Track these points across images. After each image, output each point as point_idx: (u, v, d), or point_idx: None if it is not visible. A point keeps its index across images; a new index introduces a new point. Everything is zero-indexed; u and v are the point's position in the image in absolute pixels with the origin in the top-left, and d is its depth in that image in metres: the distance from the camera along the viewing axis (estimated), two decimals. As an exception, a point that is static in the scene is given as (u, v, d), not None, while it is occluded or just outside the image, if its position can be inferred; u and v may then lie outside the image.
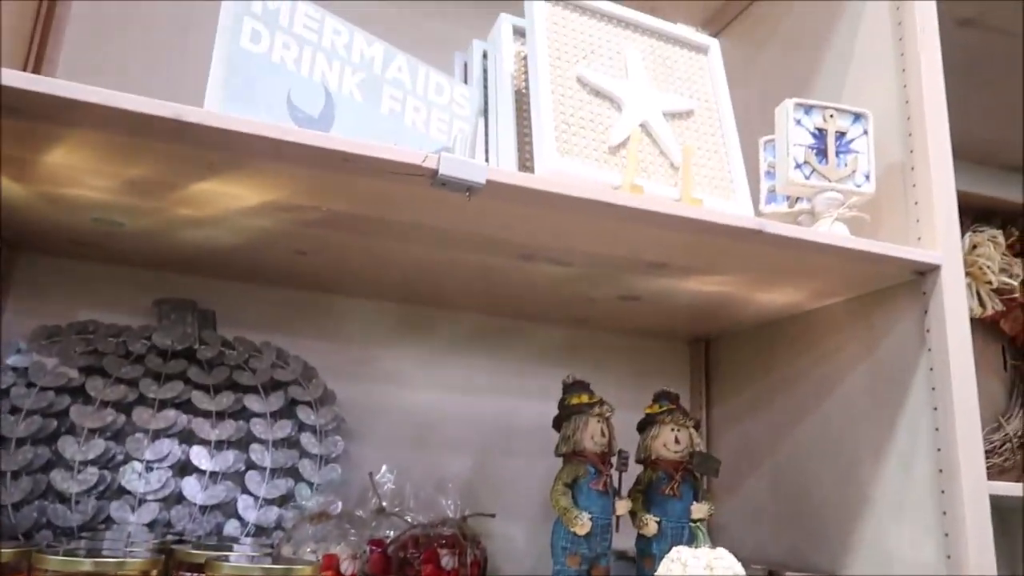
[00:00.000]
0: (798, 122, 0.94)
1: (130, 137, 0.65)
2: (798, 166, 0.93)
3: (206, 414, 0.97)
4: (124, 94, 0.60)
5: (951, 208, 0.90)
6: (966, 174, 0.99)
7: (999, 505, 0.84)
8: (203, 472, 0.95)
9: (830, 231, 0.89)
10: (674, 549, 0.78)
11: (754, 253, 0.87)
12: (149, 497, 0.92)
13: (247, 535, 0.93)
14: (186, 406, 0.97)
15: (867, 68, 1.03)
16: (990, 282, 1.19)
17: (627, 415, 0.96)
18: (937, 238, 0.88)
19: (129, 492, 0.91)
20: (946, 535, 0.82)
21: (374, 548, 0.89)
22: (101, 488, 0.90)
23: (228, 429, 0.97)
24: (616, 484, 0.90)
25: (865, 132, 0.95)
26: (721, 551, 0.77)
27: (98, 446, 0.91)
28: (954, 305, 0.87)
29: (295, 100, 0.75)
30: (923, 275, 0.90)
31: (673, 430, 0.93)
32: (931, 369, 0.87)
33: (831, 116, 0.95)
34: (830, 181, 0.93)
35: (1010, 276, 1.21)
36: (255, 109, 0.71)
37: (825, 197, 0.92)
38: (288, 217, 0.83)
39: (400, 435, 1.14)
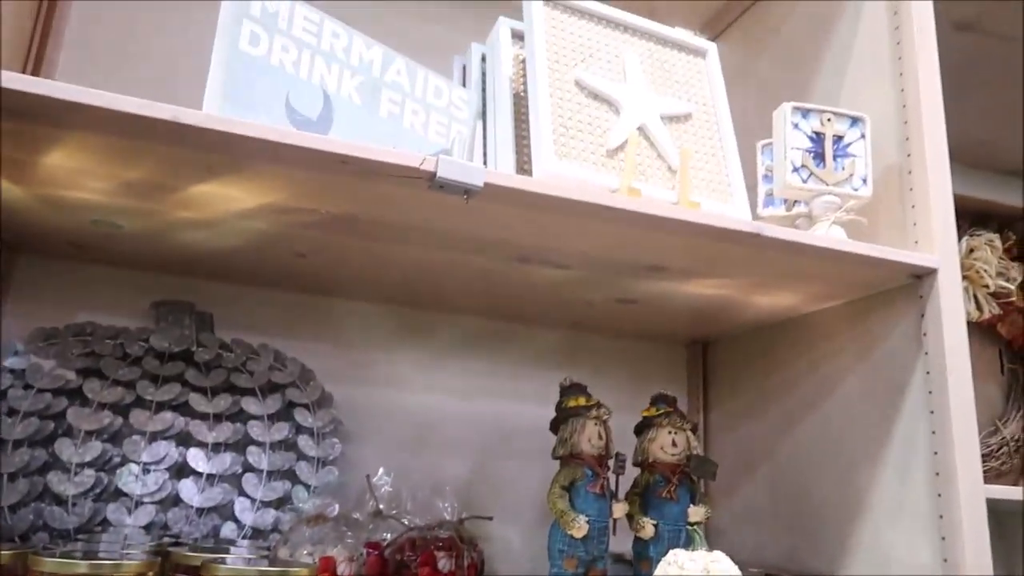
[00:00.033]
0: (795, 126, 0.94)
1: (129, 139, 0.65)
2: (795, 170, 0.93)
3: (203, 416, 0.97)
4: (123, 96, 0.60)
5: (948, 212, 0.90)
6: (963, 178, 0.99)
7: (996, 509, 0.84)
8: (200, 474, 0.95)
9: (827, 234, 0.89)
10: (671, 552, 0.78)
11: (751, 256, 0.87)
12: (146, 499, 0.91)
13: (244, 537, 0.93)
14: (183, 408, 0.97)
15: (864, 72, 1.03)
16: (987, 286, 1.19)
17: (624, 418, 0.96)
18: (934, 242, 0.89)
19: (126, 494, 0.91)
20: (943, 538, 0.82)
21: (371, 551, 0.89)
22: (98, 490, 0.90)
23: (225, 431, 0.97)
24: (613, 487, 0.90)
25: (862, 136, 0.95)
26: (718, 554, 0.77)
27: (95, 448, 0.91)
28: (951, 309, 0.87)
29: (294, 103, 0.75)
30: (920, 279, 0.90)
31: (670, 433, 0.93)
32: (928, 373, 0.87)
33: (828, 120, 0.95)
34: (827, 185, 0.93)
35: (1007, 280, 1.22)
36: (254, 112, 0.71)
37: (822, 201, 0.92)
38: (286, 219, 0.83)
39: (397, 438, 1.14)
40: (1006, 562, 1.26)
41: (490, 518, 1.02)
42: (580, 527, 0.84)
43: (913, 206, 0.92)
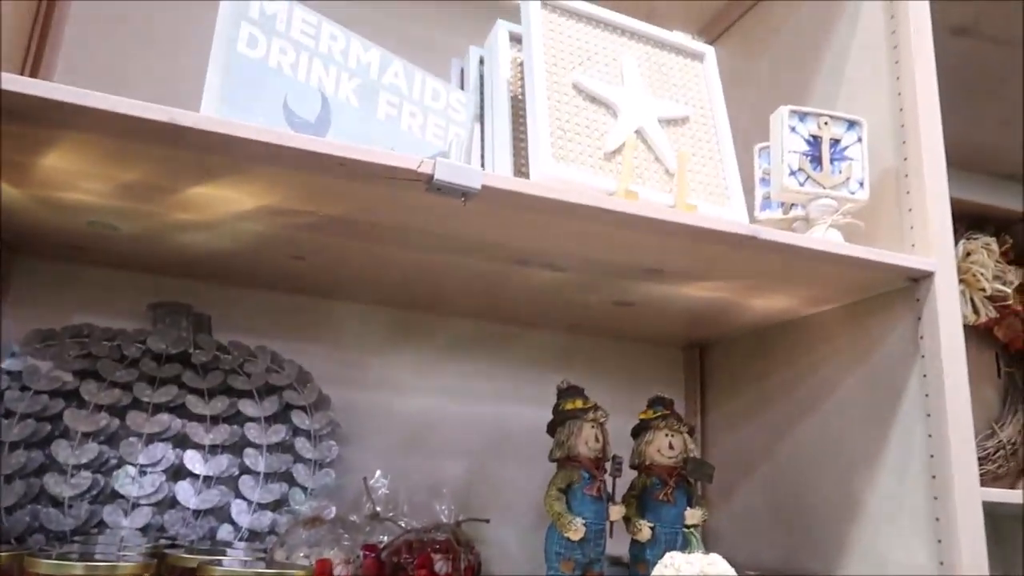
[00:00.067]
0: (793, 129, 0.94)
1: (126, 141, 0.65)
2: (792, 173, 0.93)
3: (200, 418, 0.97)
4: (120, 98, 0.60)
5: (945, 215, 0.90)
6: (960, 181, 0.99)
7: (992, 512, 0.84)
8: (197, 476, 0.94)
9: (824, 238, 0.89)
10: (667, 555, 0.78)
11: (748, 259, 0.88)
12: (142, 501, 0.91)
13: (240, 540, 0.93)
14: (180, 410, 0.97)
15: (861, 76, 1.03)
16: (984, 289, 1.19)
17: (621, 420, 0.96)
18: (931, 245, 0.89)
19: (122, 496, 0.91)
20: (939, 541, 0.82)
21: (368, 553, 0.89)
22: (94, 492, 0.90)
23: (222, 433, 0.97)
24: (610, 489, 0.90)
25: (859, 139, 0.96)
26: (714, 557, 0.77)
27: (91, 450, 0.90)
28: (948, 312, 0.88)
29: (292, 105, 0.75)
30: (917, 282, 0.90)
31: (667, 436, 0.93)
32: (924, 376, 0.88)
33: (826, 123, 0.95)
34: (824, 188, 0.93)
35: (1004, 283, 1.22)
36: (252, 114, 0.71)
37: (819, 204, 0.93)
38: (284, 221, 0.83)
39: (394, 440, 1.14)
40: (1003, 565, 1.26)
41: (487, 520, 1.02)
42: (577, 530, 0.84)
43: (910, 209, 0.92)
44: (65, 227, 0.89)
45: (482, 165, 0.95)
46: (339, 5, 0.97)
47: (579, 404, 0.91)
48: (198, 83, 0.70)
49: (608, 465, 0.91)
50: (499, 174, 0.80)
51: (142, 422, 0.94)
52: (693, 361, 1.34)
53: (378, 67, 0.84)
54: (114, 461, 0.92)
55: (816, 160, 0.94)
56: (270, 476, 0.97)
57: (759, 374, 1.18)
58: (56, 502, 0.88)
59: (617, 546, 0.94)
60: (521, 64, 0.96)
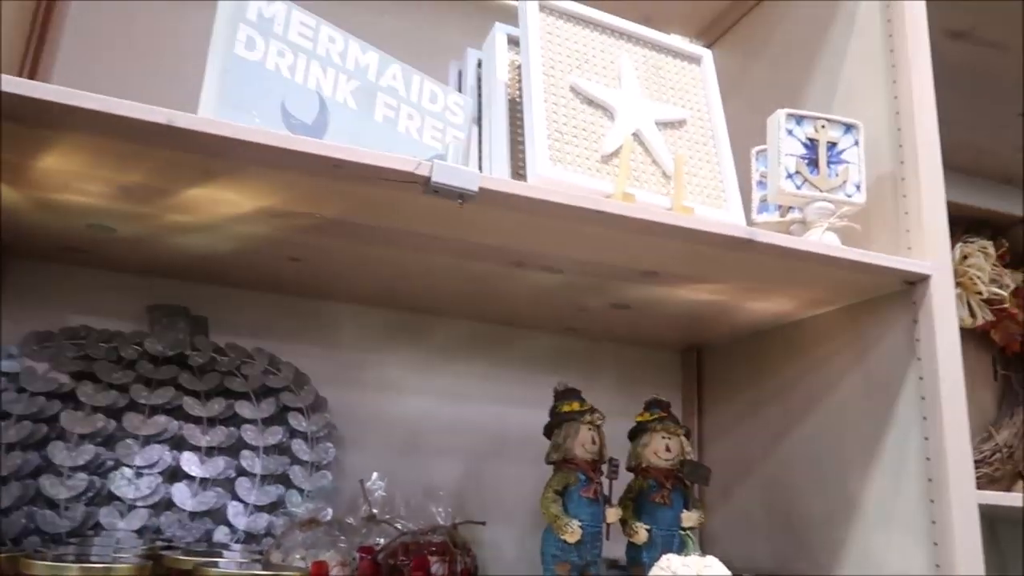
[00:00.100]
0: (790, 132, 0.95)
1: (124, 143, 0.65)
2: (789, 176, 0.93)
3: (197, 420, 0.97)
4: (117, 99, 0.60)
5: (941, 218, 0.91)
6: (957, 185, 1.00)
7: (989, 515, 0.84)
8: (193, 478, 0.94)
9: (821, 241, 0.89)
10: (664, 557, 0.78)
11: (745, 262, 0.88)
12: (139, 503, 0.91)
13: (237, 542, 0.93)
14: (177, 412, 0.97)
15: (858, 79, 1.03)
16: (980, 292, 1.20)
17: (618, 423, 0.96)
18: (927, 248, 0.89)
19: (119, 498, 0.91)
20: (935, 544, 0.82)
21: (364, 555, 0.89)
22: (90, 494, 0.90)
23: (219, 435, 0.97)
24: (607, 492, 0.90)
25: (856, 143, 0.96)
26: (710, 559, 0.77)
27: (88, 452, 0.90)
28: (944, 315, 0.88)
29: (289, 107, 0.75)
30: (913, 285, 0.91)
31: (664, 438, 0.93)
32: (921, 379, 0.88)
33: (822, 126, 0.96)
34: (821, 191, 0.93)
35: (1000, 287, 1.22)
36: (249, 116, 0.71)
37: (816, 207, 0.93)
38: (281, 223, 0.83)
39: (391, 442, 1.14)
40: (999, 569, 1.26)
41: (483, 523, 1.02)
42: (573, 532, 0.84)
43: (907, 213, 0.92)
44: (63, 229, 0.89)
45: (479, 167, 0.95)
46: (337, 8, 0.97)
47: (576, 406, 0.91)
48: (196, 85, 0.70)
49: (605, 467, 0.90)
50: (496, 176, 0.81)
51: (139, 424, 0.94)
52: (690, 364, 1.34)
53: (376, 69, 0.84)
54: (110, 463, 0.92)
55: (813, 163, 0.94)
56: (266, 478, 0.97)
57: (756, 376, 1.18)
58: (52, 504, 0.88)
59: (613, 548, 0.94)
60: (519, 67, 0.96)
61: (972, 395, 0.87)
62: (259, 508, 0.96)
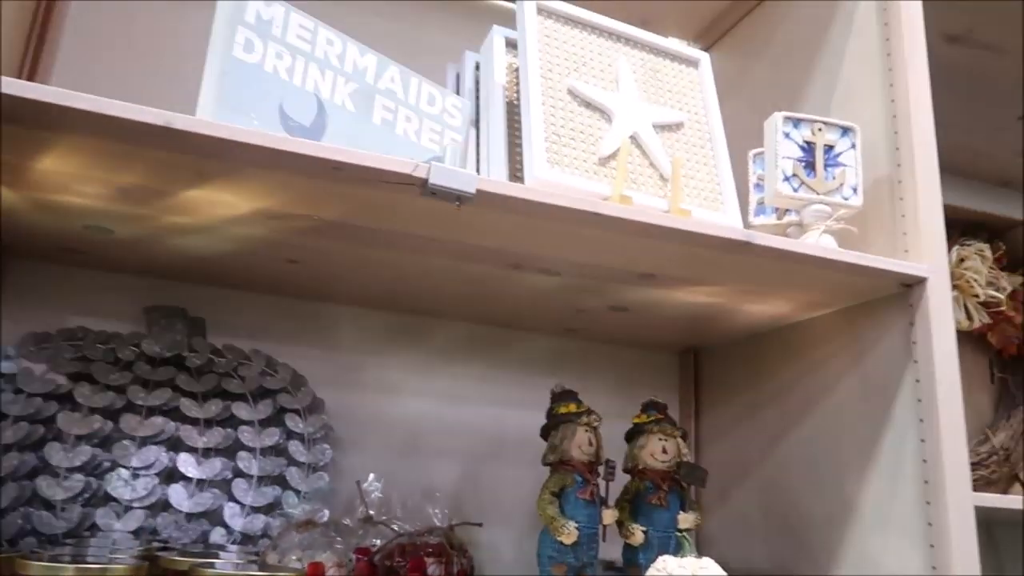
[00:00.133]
0: (787, 135, 0.95)
1: (122, 144, 0.65)
2: (786, 179, 0.93)
3: (194, 421, 0.97)
4: (115, 101, 0.60)
5: (938, 221, 0.91)
6: (954, 188, 1.00)
7: (986, 517, 0.84)
8: (190, 479, 0.94)
9: (818, 243, 0.89)
10: (660, 559, 0.78)
11: (742, 265, 0.88)
12: (135, 504, 0.91)
13: (233, 543, 0.93)
14: (174, 413, 0.97)
15: (855, 83, 1.04)
16: (977, 295, 1.20)
17: (615, 425, 0.97)
18: (924, 251, 0.89)
19: (115, 499, 0.91)
20: (932, 546, 0.83)
21: (360, 557, 0.89)
22: (87, 495, 0.90)
23: (216, 436, 0.97)
24: (603, 493, 0.90)
25: (853, 145, 0.96)
26: (707, 561, 0.77)
27: (85, 453, 0.90)
28: (941, 318, 0.88)
29: (287, 110, 0.75)
30: (910, 287, 0.91)
31: (660, 440, 0.93)
32: (917, 381, 0.88)
33: (820, 129, 0.96)
34: (818, 194, 0.93)
35: (997, 289, 1.23)
36: (247, 118, 0.71)
37: (813, 209, 0.93)
38: (279, 225, 0.83)
39: (388, 444, 1.14)
40: (995, 571, 1.26)
41: (480, 524, 1.02)
42: (570, 533, 0.84)
43: (903, 215, 0.92)
44: (61, 230, 0.89)
45: (477, 170, 0.95)
46: (336, 10, 0.97)
47: (573, 408, 0.91)
48: (195, 86, 0.70)
49: (601, 469, 0.91)
50: (494, 179, 0.81)
51: (136, 425, 0.94)
52: (687, 365, 1.34)
53: (374, 72, 0.84)
54: (107, 464, 0.92)
55: (810, 166, 0.94)
56: (263, 479, 0.97)
57: (753, 379, 1.18)
58: (49, 505, 0.88)
59: (610, 550, 0.94)
60: (517, 69, 0.96)
61: (969, 398, 0.87)
62: (256, 509, 0.96)
